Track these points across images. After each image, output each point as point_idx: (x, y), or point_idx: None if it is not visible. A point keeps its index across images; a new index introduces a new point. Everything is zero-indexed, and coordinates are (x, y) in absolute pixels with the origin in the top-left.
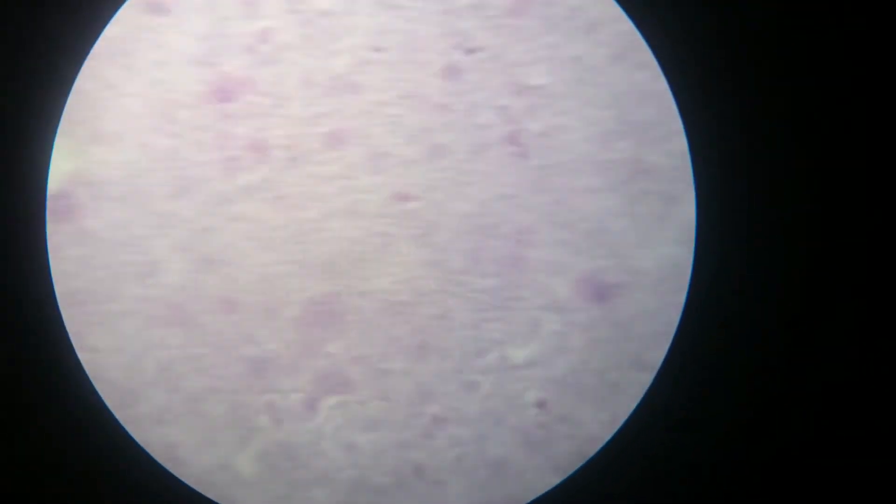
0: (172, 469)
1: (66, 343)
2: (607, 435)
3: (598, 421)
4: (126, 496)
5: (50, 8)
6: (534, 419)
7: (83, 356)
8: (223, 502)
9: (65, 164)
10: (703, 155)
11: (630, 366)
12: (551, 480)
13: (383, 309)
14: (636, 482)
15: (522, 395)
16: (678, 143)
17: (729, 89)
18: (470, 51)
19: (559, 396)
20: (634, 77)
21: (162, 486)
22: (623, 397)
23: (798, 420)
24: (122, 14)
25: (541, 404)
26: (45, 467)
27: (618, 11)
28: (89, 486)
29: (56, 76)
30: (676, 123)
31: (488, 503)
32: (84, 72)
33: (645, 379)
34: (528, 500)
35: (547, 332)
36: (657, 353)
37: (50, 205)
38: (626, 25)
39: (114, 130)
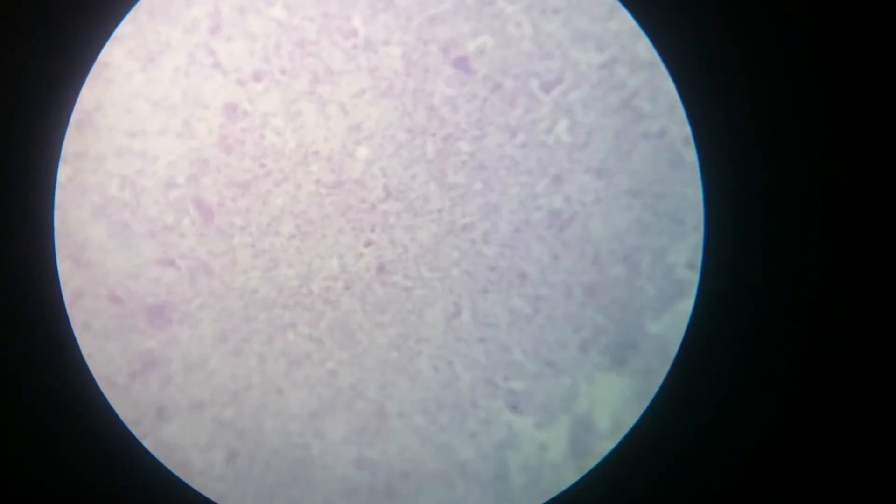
0: (174, 469)
1: (69, 342)
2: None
3: None
4: (128, 495)
5: (60, 10)
6: None
7: (87, 354)
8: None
9: None
10: (712, 158)
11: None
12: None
13: None
14: (644, 487)
15: None
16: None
17: (736, 91)
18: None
19: None
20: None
21: (163, 485)
22: None
23: (808, 424)
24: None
25: None
26: (46, 465)
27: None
28: (91, 485)
29: (66, 73)
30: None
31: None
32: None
33: (653, 383)
34: (543, 502)
35: None
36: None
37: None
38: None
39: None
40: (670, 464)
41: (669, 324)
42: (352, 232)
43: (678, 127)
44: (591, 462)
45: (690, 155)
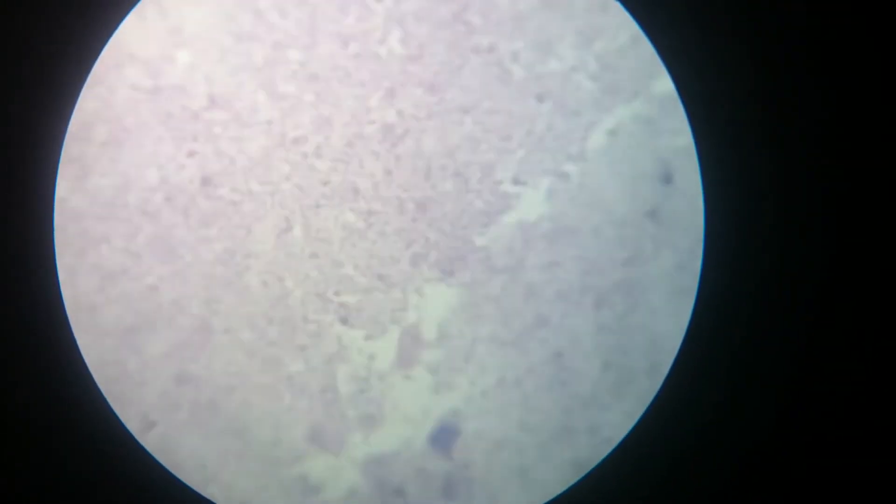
0: (172, 469)
1: (70, 345)
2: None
3: None
4: (126, 496)
5: (58, 12)
6: None
7: (85, 353)
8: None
9: None
10: (711, 157)
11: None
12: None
13: None
14: (647, 485)
15: None
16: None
17: (736, 90)
18: None
19: None
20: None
21: (162, 485)
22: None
23: (807, 424)
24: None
25: None
26: (44, 466)
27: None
28: (89, 486)
29: (64, 80)
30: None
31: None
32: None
33: (655, 383)
34: (544, 502)
35: None
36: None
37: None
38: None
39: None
40: (670, 464)
41: (496, 236)
42: (172, 141)
43: (507, 42)
44: (418, 370)
45: (518, 71)
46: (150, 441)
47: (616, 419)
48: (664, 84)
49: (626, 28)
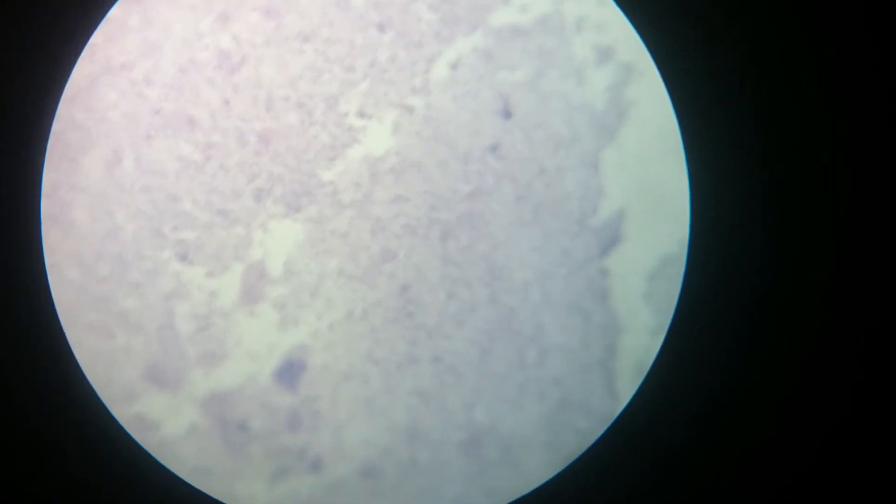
0: (167, 464)
1: (61, 341)
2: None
3: None
4: (122, 493)
5: (41, 11)
6: None
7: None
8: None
9: None
10: (698, 149)
11: None
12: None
13: None
14: (629, 477)
15: None
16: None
17: (724, 88)
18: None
19: None
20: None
21: (157, 482)
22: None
23: (802, 420)
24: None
25: None
26: (40, 465)
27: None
28: (84, 485)
29: (49, 77)
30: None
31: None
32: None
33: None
34: (526, 492)
35: None
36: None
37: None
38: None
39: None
40: (654, 457)
41: (342, 171)
42: None
43: None
44: (263, 306)
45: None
46: None
47: (458, 347)
48: (501, 16)
49: None
